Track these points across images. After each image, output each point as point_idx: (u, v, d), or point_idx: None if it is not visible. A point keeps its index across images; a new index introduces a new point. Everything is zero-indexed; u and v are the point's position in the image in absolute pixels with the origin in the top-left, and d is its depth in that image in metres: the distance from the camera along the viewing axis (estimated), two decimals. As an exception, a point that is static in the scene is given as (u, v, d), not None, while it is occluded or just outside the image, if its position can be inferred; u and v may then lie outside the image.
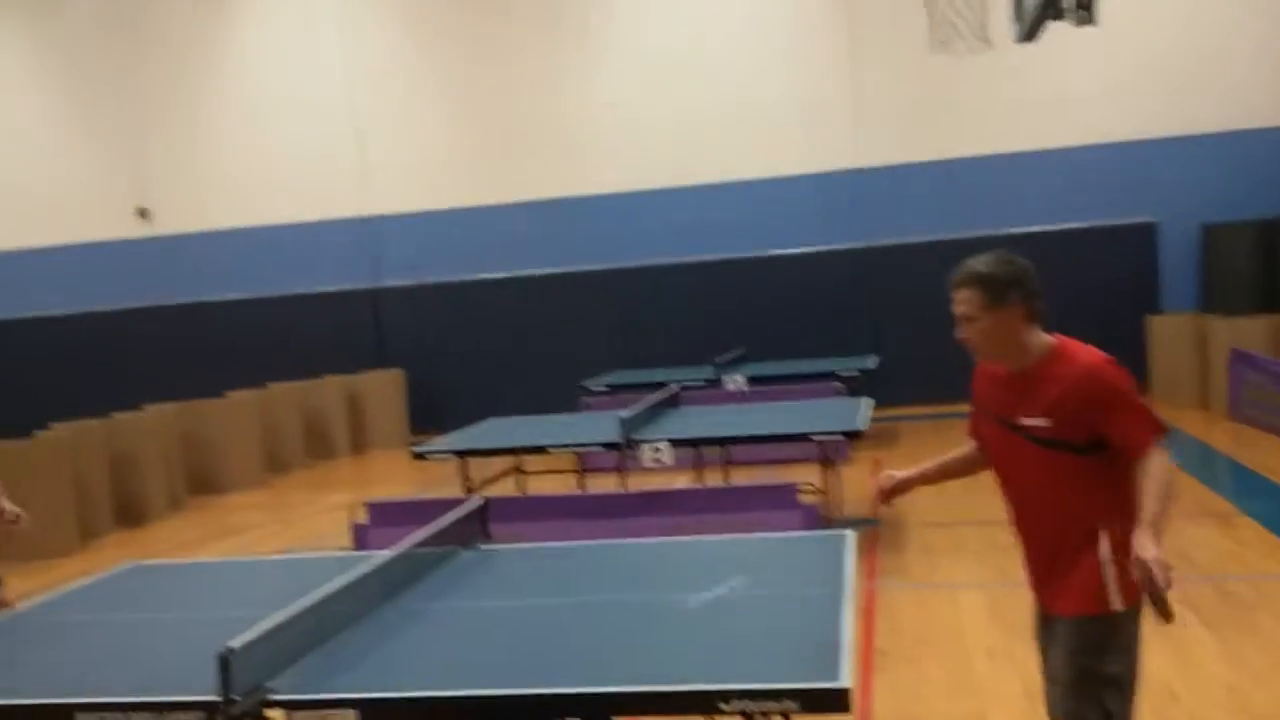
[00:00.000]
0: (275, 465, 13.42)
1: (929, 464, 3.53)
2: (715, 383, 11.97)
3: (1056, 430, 3.06)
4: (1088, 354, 3.11)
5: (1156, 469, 2.96)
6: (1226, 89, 13.86)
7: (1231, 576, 6.45)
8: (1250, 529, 7.48)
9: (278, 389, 14.08)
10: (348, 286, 16.39)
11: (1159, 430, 3.01)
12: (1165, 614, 2.82)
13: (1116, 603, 3.03)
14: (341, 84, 16.25)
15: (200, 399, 12.90)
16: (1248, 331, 11.74)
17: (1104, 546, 3.04)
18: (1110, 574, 3.03)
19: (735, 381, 11.82)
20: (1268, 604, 5.88)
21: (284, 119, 16.44)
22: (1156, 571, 2.78)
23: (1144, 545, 2.83)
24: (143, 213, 17.01)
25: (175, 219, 16.94)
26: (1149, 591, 2.82)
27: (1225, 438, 10.98)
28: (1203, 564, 6.73)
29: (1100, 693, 3.03)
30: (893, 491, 3.49)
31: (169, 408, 12.17)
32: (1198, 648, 5.30)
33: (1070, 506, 3.06)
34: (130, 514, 10.93)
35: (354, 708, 2.83)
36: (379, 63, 16.24)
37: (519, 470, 9.21)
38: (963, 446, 3.50)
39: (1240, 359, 11.50)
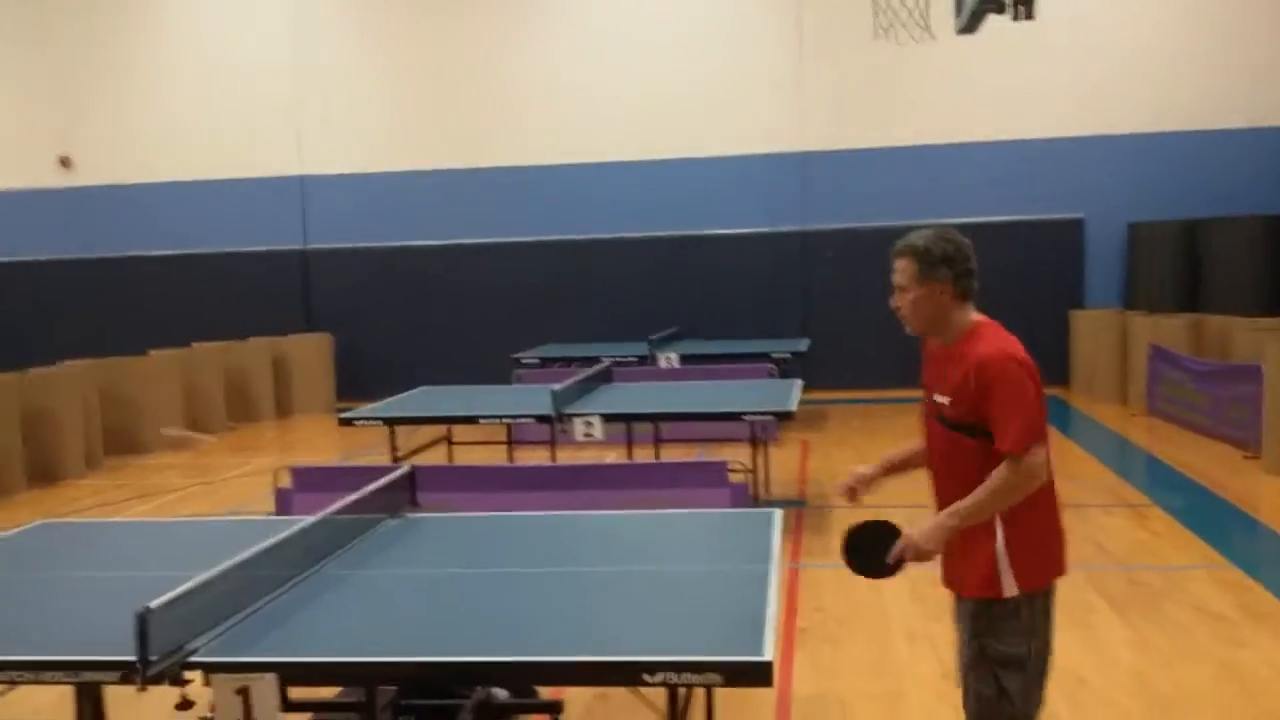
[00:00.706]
0: (197, 426, 13.15)
1: (893, 454, 3.55)
2: (649, 359, 11.99)
3: (955, 410, 3.13)
4: (994, 342, 3.12)
5: (999, 475, 3.02)
6: (1156, 91, 14.18)
7: (1142, 566, 6.64)
8: (1161, 520, 7.71)
9: (201, 349, 13.79)
10: (277, 246, 16.09)
11: (1025, 440, 3.00)
12: (878, 575, 3.18)
13: (1010, 588, 3.09)
14: (279, 40, 15.89)
15: (120, 356, 12.58)
16: (1167, 329, 12.06)
17: (999, 532, 3.10)
18: (1004, 560, 3.09)
19: (669, 359, 11.85)
20: (1175, 593, 6.07)
21: (218, 73, 16.03)
22: (907, 551, 3.11)
23: (923, 529, 3.10)
24: (65, 161, 16.51)
25: (99, 170, 16.47)
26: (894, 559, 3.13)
27: (1141, 431, 11.29)
28: (1115, 553, 6.92)
29: (997, 671, 3.11)
30: (858, 487, 3.50)
31: (87, 364, 11.84)
32: (1107, 633, 5.46)
33: (967, 488, 3.11)
34: (44, 473, 10.63)
35: (274, 671, 2.79)
36: (318, 20, 15.91)
37: (448, 440, 9.15)
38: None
39: (1159, 355, 11.81)
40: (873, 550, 3.17)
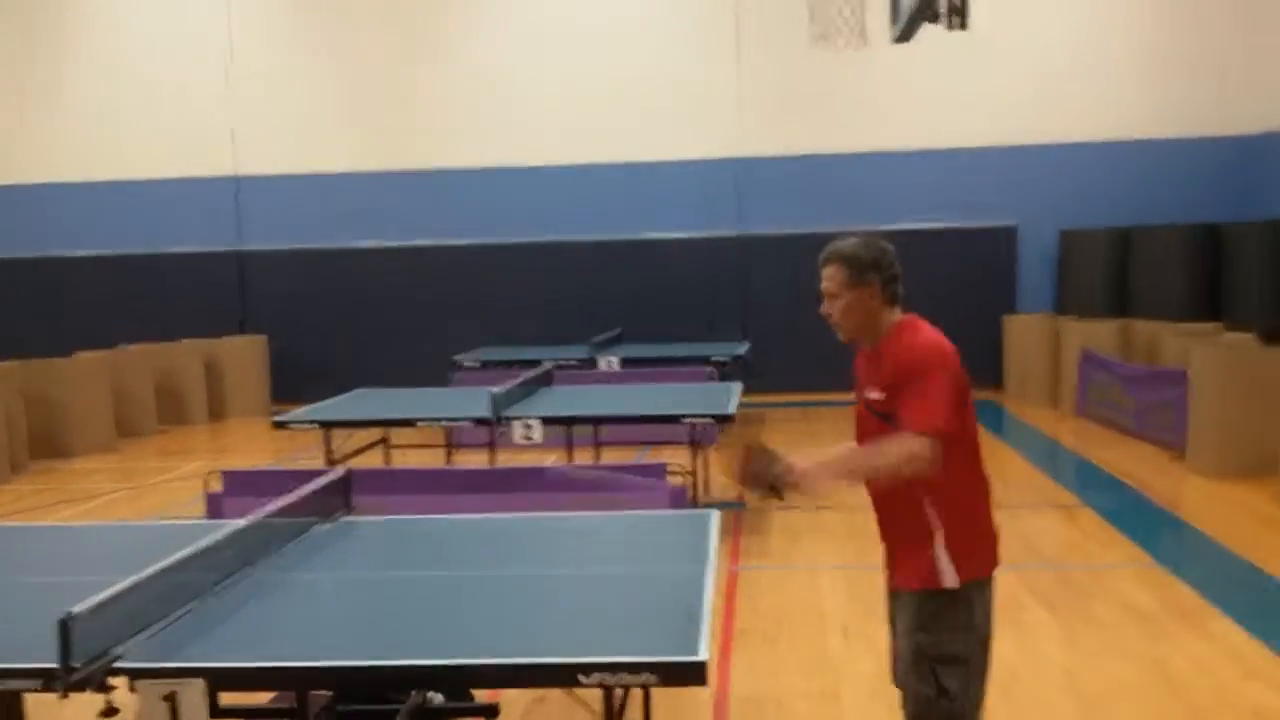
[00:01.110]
0: (126, 430, 12.87)
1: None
2: (590, 362, 11.97)
3: (886, 403, 3.18)
4: (920, 335, 3.19)
5: (893, 444, 3.04)
6: (1088, 101, 14.49)
7: (1072, 565, 6.78)
8: (1091, 520, 7.87)
9: (130, 351, 13.49)
10: (209, 248, 15.80)
11: (928, 427, 3.02)
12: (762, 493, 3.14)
13: (949, 580, 3.13)
14: (213, 38, 15.61)
15: (45, 357, 12.26)
16: (1097, 334, 12.33)
17: (937, 529, 3.14)
18: (943, 554, 3.13)
19: (609, 362, 11.84)
20: (1103, 591, 6.20)
21: (148, 70, 15.71)
22: (789, 473, 3.05)
23: (806, 465, 3.06)
24: (-13, 159, 16.08)
25: (21, 168, 16.03)
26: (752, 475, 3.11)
27: (1071, 434, 11.51)
28: (1046, 552, 7.05)
29: (936, 669, 3.13)
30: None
31: (10, 365, 11.52)
32: (1039, 631, 5.56)
33: (902, 482, 3.15)
34: (-35, 476, 10.34)
35: (202, 676, 2.73)
36: (253, 18, 15.66)
37: (385, 443, 9.05)
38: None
39: (1089, 360, 12.07)
40: (763, 469, 3.13)
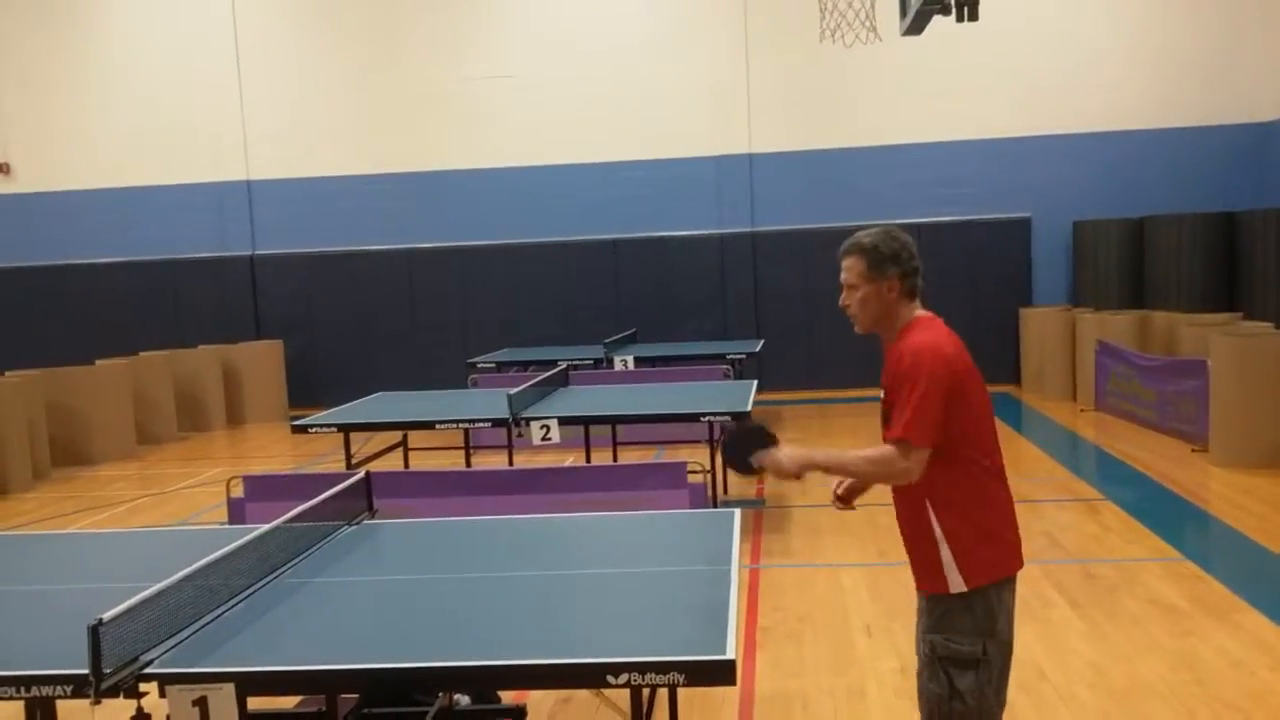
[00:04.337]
0: (146, 437, 12.94)
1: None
2: (605, 363, 11.98)
3: (888, 403, 3.16)
4: (923, 336, 3.13)
5: (876, 451, 3.07)
6: (1102, 90, 14.42)
7: (1096, 560, 6.74)
8: (1113, 514, 7.82)
9: (149, 357, 13.55)
10: (224, 253, 15.87)
11: (904, 436, 3.02)
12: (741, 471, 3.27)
13: (957, 585, 3.10)
14: (224, 44, 15.68)
15: (66, 365, 12.34)
16: (1114, 325, 12.26)
17: (938, 532, 3.11)
18: (948, 558, 3.10)
19: (624, 362, 11.85)
20: (1129, 585, 6.16)
21: (161, 79, 15.80)
22: (768, 460, 3.17)
23: (791, 452, 3.17)
24: (3, 168, 16.18)
25: (39, 176, 16.15)
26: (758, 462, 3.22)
27: (1090, 427, 11.45)
28: (1070, 547, 7.01)
29: (949, 670, 3.09)
30: (850, 493, 3.51)
31: (32, 374, 11.60)
32: (1064, 627, 5.52)
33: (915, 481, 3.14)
34: (-12, 485, 10.41)
35: (232, 681, 2.74)
36: (264, 23, 15.72)
37: (404, 446, 9.08)
38: None
39: (1106, 351, 12.00)
40: (745, 449, 3.24)
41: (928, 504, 3.11)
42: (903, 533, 3.25)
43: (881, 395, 3.27)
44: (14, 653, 2.97)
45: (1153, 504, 8.10)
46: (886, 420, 3.14)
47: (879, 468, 3.07)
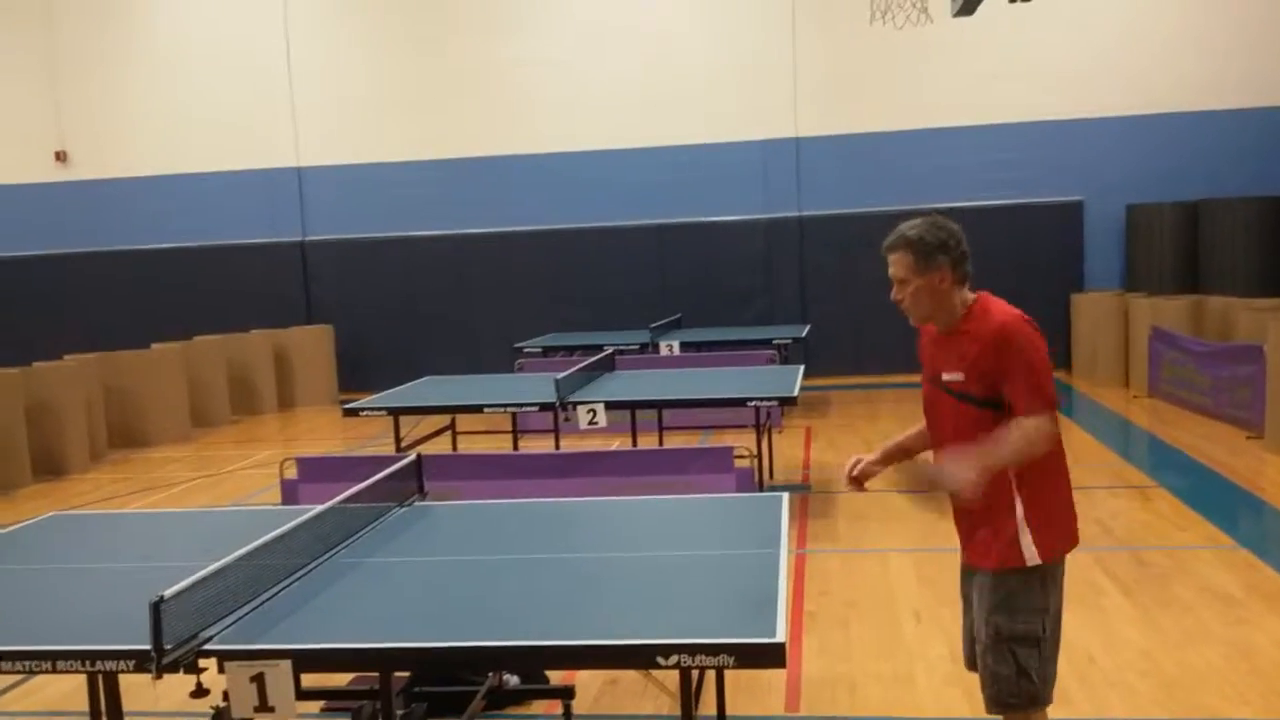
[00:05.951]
0: (200, 419, 13.17)
1: (890, 443, 3.55)
2: (651, 347, 11.99)
3: (966, 384, 3.16)
4: (1003, 312, 3.17)
5: (1021, 427, 3.04)
6: (1154, 71, 14.15)
7: (1148, 546, 6.66)
8: (1166, 501, 7.72)
9: (202, 342, 13.79)
10: (275, 239, 16.07)
11: (1045, 405, 3.05)
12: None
13: (1032, 558, 3.12)
14: (274, 30, 15.84)
15: (122, 349, 12.58)
16: (1167, 311, 12.06)
17: (1018, 503, 3.12)
18: (1025, 530, 3.12)
19: (670, 347, 11.86)
20: (1181, 573, 6.08)
21: (212, 66, 16.00)
22: (940, 477, 3.08)
23: (955, 461, 3.05)
24: (61, 156, 16.49)
25: (96, 164, 16.45)
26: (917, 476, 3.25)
27: (1143, 413, 11.29)
28: (1121, 534, 6.93)
29: (1014, 649, 3.13)
30: (864, 476, 3.51)
31: (90, 358, 11.84)
32: (1115, 614, 5.47)
33: None
34: (49, 466, 10.64)
35: (288, 658, 2.80)
36: (314, 13, 15.86)
37: (453, 430, 9.16)
38: (921, 421, 3.53)
39: (1159, 337, 11.82)
40: (916, 478, 3.30)
41: (1010, 473, 3.11)
42: (969, 510, 3.22)
43: (938, 379, 3.25)
44: (79, 629, 3.05)
45: (1206, 491, 7.99)
46: (960, 400, 3.15)
47: (1037, 444, 3.05)
